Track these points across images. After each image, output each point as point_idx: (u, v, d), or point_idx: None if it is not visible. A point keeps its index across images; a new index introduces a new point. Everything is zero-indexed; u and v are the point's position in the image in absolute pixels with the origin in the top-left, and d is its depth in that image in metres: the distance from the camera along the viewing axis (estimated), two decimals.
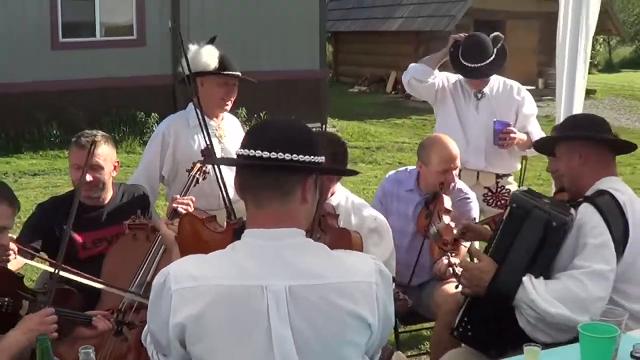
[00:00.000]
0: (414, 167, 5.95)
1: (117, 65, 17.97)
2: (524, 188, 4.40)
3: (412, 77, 6.99)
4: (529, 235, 3.97)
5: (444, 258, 5.35)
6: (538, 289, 3.86)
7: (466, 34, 7.02)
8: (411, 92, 7.24)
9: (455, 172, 5.74)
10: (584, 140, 4.30)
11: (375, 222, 4.65)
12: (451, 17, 25.41)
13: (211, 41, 5.82)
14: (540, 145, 5.05)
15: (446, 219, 5.57)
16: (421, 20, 27.03)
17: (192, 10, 18.45)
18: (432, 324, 5.88)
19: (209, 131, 4.99)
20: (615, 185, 4.21)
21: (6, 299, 3.93)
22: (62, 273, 4.25)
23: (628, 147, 4.38)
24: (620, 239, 4.01)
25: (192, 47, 5.72)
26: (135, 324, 4.56)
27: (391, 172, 6.22)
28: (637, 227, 4.09)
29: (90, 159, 4.88)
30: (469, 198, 5.94)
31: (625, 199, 4.12)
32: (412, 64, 7.16)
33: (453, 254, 5.34)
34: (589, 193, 4.19)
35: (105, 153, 5.09)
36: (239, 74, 5.86)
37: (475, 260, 4.26)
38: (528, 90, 7.11)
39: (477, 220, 5.82)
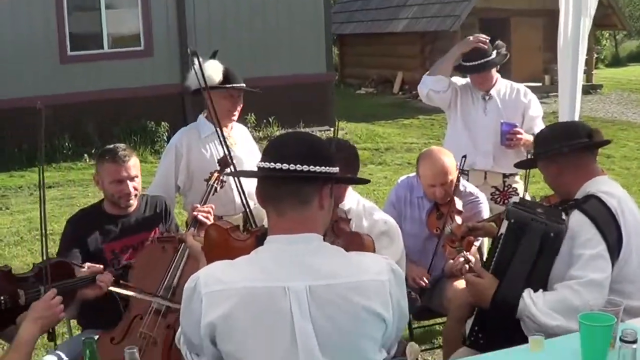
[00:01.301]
0: None
1: (125, 76, 18.16)
2: (517, 199, 4.49)
3: (430, 90, 7.10)
4: (528, 248, 4.11)
5: (459, 256, 5.49)
6: (537, 302, 4.01)
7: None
8: (428, 103, 7.34)
9: (443, 189, 5.78)
10: (553, 154, 4.42)
11: (385, 225, 4.75)
12: (455, 17, 25.38)
13: (214, 56, 5.94)
14: (521, 166, 5.29)
15: (458, 219, 5.74)
16: (426, 20, 27.03)
17: (198, 18, 18.57)
18: (444, 319, 6.01)
19: (221, 141, 5.20)
20: (603, 187, 4.28)
21: (2, 298, 4.03)
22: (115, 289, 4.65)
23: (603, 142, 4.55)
24: (615, 245, 4.11)
25: (196, 62, 5.76)
26: (132, 265, 4.89)
27: (402, 177, 6.31)
28: (628, 229, 4.18)
29: (131, 171, 5.22)
30: (479, 200, 6.07)
31: (615, 203, 4.19)
32: (426, 76, 7.24)
33: (467, 252, 5.49)
34: (578, 196, 4.30)
35: (137, 163, 5.33)
36: (243, 85, 6.03)
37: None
38: (534, 87, 7.25)
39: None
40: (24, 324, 3.84)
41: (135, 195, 5.32)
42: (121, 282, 4.79)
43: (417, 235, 5.92)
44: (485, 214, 6.04)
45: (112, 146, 5.37)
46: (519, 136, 6.82)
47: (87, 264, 4.69)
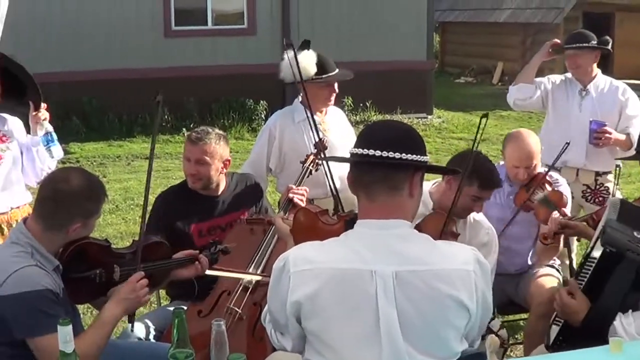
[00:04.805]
0: None
1: (227, 54, 18.33)
2: (617, 201, 4.38)
3: (515, 99, 7.41)
4: (622, 277, 4.01)
5: (557, 218, 5.47)
6: (628, 330, 3.92)
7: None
8: (520, 110, 7.45)
9: (526, 172, 5.76)
10: None
11: (487, 236, 4.82)
12: (559, 10, 25.11)
13: (306, 46, 5.97)
14: (625, 159, 5.25)
15: (548, 187, 5.74)
16: (529, 12, 26.79)
17: (302, 0, 18.70)
18: (528, 314, 6.03)
19: (312, 127, 5.30)
20: None
21: (98, 271, 4.10)
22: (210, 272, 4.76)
23: None
24: None
25: (289, 55, 5.71)
26: (229, 249, 4.94)
27: None
28: None
29: (198, 154, 5.25)
30: (558, 182, 5.99)
31: None
32: (511, 87, 7.47)
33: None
34: None
35: (214, 151, 5.27)
36: (337, 70, 6.12)
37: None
38: (636, 84, 7.17)
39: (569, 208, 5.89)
40: (108, 304, 3.97)
41: (202, 180, 5.31)
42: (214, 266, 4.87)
43: (499, 219, 5.87)
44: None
45: (202, 128, 5.43)
46: (607, 135, 6.78)
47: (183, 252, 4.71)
